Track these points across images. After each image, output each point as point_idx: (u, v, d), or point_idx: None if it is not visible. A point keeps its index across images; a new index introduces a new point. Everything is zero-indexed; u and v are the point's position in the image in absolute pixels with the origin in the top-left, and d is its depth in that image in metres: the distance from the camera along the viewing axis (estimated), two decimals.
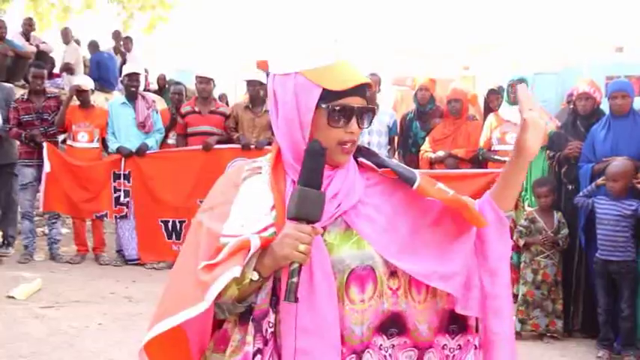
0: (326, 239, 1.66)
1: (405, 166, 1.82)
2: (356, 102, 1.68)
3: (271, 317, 1.63)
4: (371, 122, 1.74)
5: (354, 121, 1.68)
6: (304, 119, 1.66)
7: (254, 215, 1.67)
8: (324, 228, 1.67)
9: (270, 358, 1.63)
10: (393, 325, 1.70)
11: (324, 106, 1.66)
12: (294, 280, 1.54)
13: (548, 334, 5.43)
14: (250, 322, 1.65)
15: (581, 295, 5.52)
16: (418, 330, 1.73)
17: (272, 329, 1.63)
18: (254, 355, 1.62)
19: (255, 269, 1.59)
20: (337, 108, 1.66)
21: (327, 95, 1.65)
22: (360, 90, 1.69)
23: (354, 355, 1.65)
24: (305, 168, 1.59)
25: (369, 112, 1.71)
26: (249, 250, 1.56)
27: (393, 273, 1.70)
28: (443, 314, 1.77)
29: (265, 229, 1.63)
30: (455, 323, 1.78)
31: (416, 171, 1.78)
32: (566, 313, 5.49)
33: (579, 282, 5.53)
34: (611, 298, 5.11)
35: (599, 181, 5.08)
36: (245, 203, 1.70)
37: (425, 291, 1.74)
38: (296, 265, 1.55)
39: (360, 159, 1.79)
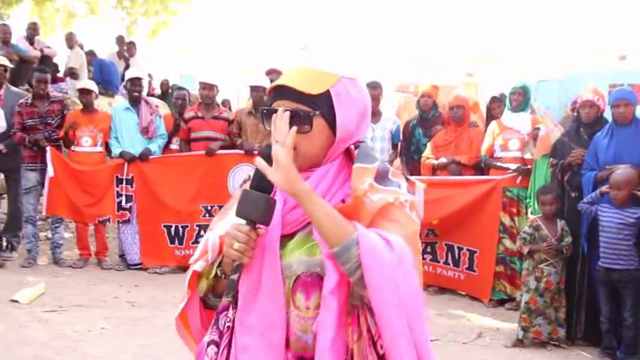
0: (288, 245, 1.68)
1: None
2: (281, 105, 1.68)
3: (230, 313, 1.71)
4: (303, 124, 1.65)
5: None
6: None
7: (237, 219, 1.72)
8: (294, 233, 1.69)
9: (225, 350, 1.70)
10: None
11: (261, 111, 1.77)
12: (234, 277, 1.64)
13: (551, 342, 5.42)
14: (215, 315, 1.77)
15: (583, 303, 5.51)
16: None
17: (230, 324, 1.71)
18: (208, 344, 1.73)
19: (220, 267, 1.72)
20: (264, 111, 1.73)
21: (270, 100, 1.74)
22: (287, 93, 1.67)
23: None
24: (255, 171, 1.65)
25: (294, 113, 1.65)
26: (209, 250, 1.74)
27: None
28: None
29: None
30: None
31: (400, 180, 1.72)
32: (568, 321, 5.48)
33: (582, 290, 5.52)
34: (614, 307, 5.11)
35: (604, 188, 5.08)
36: None
37: None
38: (237, 263, 1.63)
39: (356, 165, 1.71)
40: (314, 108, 1.66)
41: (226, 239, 1.63)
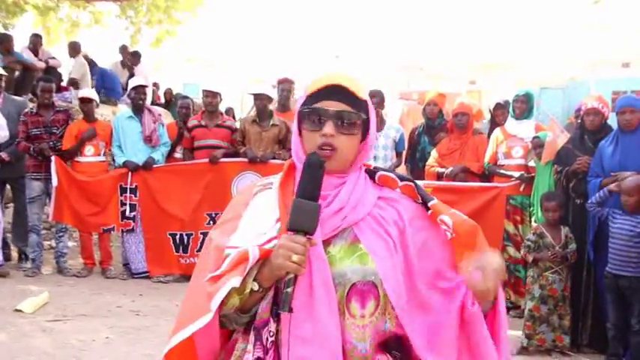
0: (330, 251, 1.67)
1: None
2: (331, 105, 1.68)
3: (272, 326, 1.65)
4: (352, 126, 1.70)
5: (329, 123, 1.67)
6: (296, 126, 1.76)
7: (260, 228, 1.69)
8: (329, 240, 1.68)
9: None
10: (394, 347, 1.68)
11: (299, 109, 1.73)
12: (289, 290, 1.57)
13: (556, 350, 5.40)
14: (251, 331, 1.69)
15: (589, 310, 5.49)
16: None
17: (273, 338, 1.64)
18: None
19: (256, 280, 1.62)
20: (307, 110, 1.71)
21: (307, 101, 1.72)
22: (337, 94, 1.68)
23: None
24: (302, 180, 1.63)
25: (348, 115, 1.69)
26: (249, 261, 1.61)
27: None
28: None
29: (269, 241, 1.64)
30: None
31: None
32: (574, 328, 5.46)
33: (587, 297, 5.50)
34: (621, 313, 5.08)
35: (612, 186, 5.03)
36: (253, 217, 1.74)
37: None
38: (291, 276, 1.57)
39: (381, 172, 1.80)
40: (360, 112, 1.71)
41: (281, 251, 1.57)
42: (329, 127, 1.67)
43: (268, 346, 1.65)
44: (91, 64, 13.01)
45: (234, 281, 1.59)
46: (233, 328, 1.74)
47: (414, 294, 1.71)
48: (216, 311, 1.61)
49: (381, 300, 1.67)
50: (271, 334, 1.64)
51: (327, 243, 1.68)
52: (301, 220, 1.58)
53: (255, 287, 1.63)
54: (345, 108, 1.69)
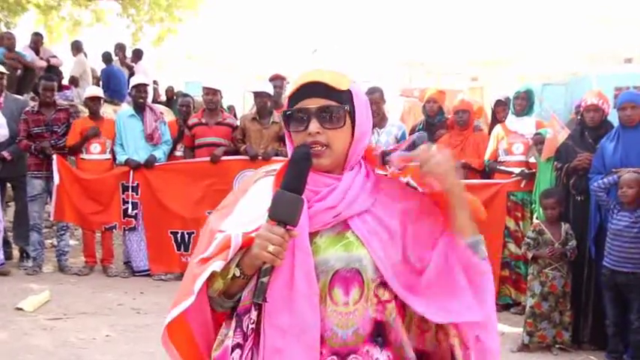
0: (316, 242, 1.67)
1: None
2: (311, 103, 1.67)
3: (253, 314, 1.66)
4: (337, 120, 1.67)
5: (313, 121, 1.66)
6: (285, 130, 1.76)
7: (252, 215, 1.70)
8: (318, 232, 1.67)
9: (249, 353, 1.66)
10: (378, 334, 1.67)
11: (282, 113, 1.73)
12: (264, 280, 1.59)
13: (557, 346, 5.39)
14: (234, 317, 1.71)
15: (590, 306, 5.48)
16: (403, 348, 1.70)
17: (253, 326, 1.66)
18: (232, 349, 1.68)
19: (239, 266, 1.65)
20: (288, 113, 1.71)
21: (290, 104, 1.71)
22: (316, 90, 1.67)
23: (334, 357, 1.65)
24: (288, 172, 1.63)
25: (330, 109, 1.67)
26: (231, 248, 1.63)
27: (384, 284, 1.67)
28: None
29: (257, 229, 1.64)
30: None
31: None
32: (575, 325, 5.45)
33: (588, 293, 5.49)
34: (620, 310, 5.07)
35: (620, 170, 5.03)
36: (248, 203, 1.76)
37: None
38: (267, 266, 1.59)
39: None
40: (343, 104, 1.68)
41: (258, 241, 1.59)
42: (313, 125, 1.66)
43: (248, 333, 1.66)
44: (106, 58, 13.00)
45: (216, 265, 1.63)
46: (221, 310, 1.76)
47: (414, 276, 1.69)
48: (204, 292, 1.66)
49: (366, 287, 1.66)
50: (252, 321, 1.66)
51: (314, 234, 1.68)
52: (281, 211, 1.58)
53: (237, 273, 1.65)
54: (327, 102, 1.67)
